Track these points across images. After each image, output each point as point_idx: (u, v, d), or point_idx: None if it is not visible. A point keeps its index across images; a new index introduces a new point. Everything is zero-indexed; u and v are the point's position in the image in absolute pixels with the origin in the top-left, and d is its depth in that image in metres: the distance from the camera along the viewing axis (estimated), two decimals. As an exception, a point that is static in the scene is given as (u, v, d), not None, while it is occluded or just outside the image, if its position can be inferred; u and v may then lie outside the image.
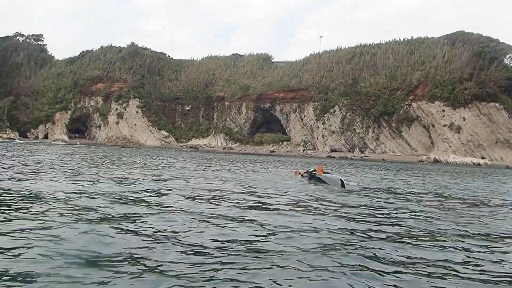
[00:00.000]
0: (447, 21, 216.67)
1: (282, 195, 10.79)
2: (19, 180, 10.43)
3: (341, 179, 15.26)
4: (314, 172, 16.67)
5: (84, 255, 4.28)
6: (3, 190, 8.42)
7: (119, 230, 5.42)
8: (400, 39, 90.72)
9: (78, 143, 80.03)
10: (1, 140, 72.22)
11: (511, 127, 68.05)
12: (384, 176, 22.34)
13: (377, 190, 13.88)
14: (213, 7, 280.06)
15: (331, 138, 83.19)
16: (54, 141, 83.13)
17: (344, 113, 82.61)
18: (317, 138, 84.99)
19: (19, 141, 73.11)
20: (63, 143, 77.25)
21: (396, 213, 8.38)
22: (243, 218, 6.88)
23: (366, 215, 7.88)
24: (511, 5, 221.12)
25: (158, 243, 4.92)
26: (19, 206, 6.74)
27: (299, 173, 18.34)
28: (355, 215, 7.82)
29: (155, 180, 12.92)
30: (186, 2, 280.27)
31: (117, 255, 4.36)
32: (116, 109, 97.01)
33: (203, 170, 20.06)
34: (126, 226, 5.69)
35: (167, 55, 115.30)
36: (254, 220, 6.72)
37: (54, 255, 4.18)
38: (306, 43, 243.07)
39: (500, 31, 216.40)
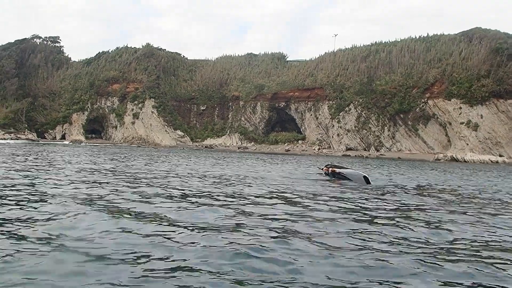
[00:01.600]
0: (463, 18, 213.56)
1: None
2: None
3: (364, 176, 15.47)
4: (338, 170, 17.04)
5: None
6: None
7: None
8: (416, 36, 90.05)
9: (98, 144, 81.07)
10: (20, 141, 73.52)
11: (530, 124, 67.14)
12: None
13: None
14: (227, 6, 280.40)
15: (347, 137, 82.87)
16: (71, 141, 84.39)
17: (359, 112, 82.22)
18: (332, 137, 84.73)
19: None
20: (83, 144, 78.54)
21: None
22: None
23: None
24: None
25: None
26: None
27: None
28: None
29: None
30: (200, 1, 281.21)
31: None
32: (132, 110, 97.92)
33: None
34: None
35: (181, 55, 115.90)
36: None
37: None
38: (320, 42, 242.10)
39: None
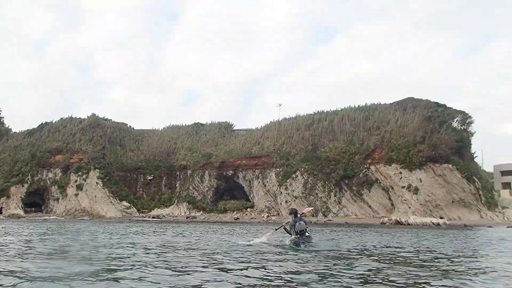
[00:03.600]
0: (396, 88, 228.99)
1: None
2: None
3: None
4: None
5: None
6: None
7: None
8: (355, 106, 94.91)
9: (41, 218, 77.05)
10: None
11: (464, 187, 71.00)
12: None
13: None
14: (174, 78, 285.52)
15: (295, 203, 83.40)
16: (8, 216, 79.97)
17: (306, 178, 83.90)
18: (281, 204, 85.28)
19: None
20: (18, 218, 74.47)
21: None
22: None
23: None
24: (455, 73, 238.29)
25: None
26: None
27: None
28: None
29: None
30: (148, 72, 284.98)
31: None
32: (76, 181, 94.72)
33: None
34: None
35: (128, 125, 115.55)
36: None
37: None
38: (266, 110, 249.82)
39: (446, 96, 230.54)
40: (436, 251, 16.35)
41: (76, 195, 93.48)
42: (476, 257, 14.48)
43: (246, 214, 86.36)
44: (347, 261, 12.05)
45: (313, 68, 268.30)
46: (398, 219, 67.53)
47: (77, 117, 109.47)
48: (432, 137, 74.79)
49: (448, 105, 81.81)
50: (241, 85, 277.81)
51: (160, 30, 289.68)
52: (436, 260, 12.74)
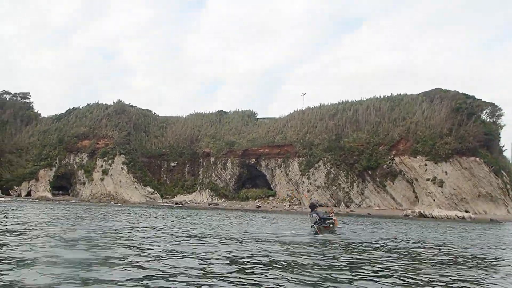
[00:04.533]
0: (424, 79, 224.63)
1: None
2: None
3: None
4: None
5: None
6: None
7: None
8: (380, 96, 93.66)
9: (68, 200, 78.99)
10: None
11: (492, 180, 69.37)
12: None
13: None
14: (198, 66, 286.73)
15: (317, 193, 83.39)
16: (36, 198, 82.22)
17: (328, 168, 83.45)
18: (303, 193, 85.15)
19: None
20: (46, 201, 76.44)
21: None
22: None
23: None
24: (486, 63, 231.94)
25: None
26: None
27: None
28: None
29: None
30: (172, 60, 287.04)
31: None
32: (101, 166, 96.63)
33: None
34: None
35: (153, 112, 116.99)
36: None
37: None
38: (290, 99, 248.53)
39: (475, 87, 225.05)
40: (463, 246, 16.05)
41: (102, 179, 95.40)
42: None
43: (268, 203, 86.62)
44: (358, 253, 11.96)
45: (338, 57, 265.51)
46: (422, 211, 66.53)
47: (103, 103, 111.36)
48: (459, 129, 73.22)
49: (477, 97, 79.69)
50: (264, 74, 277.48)
51: (184, 17, 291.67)
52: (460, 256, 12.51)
